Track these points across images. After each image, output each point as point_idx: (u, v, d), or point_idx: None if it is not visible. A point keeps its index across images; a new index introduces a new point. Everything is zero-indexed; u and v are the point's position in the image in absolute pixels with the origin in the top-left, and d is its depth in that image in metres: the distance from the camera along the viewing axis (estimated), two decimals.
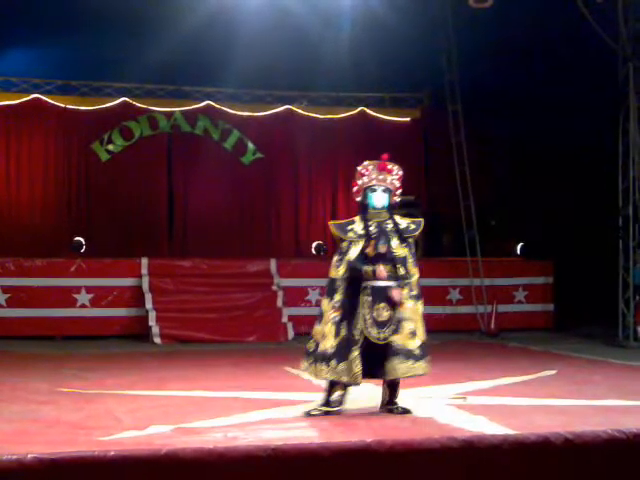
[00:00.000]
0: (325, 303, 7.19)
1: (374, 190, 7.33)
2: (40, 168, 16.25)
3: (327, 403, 7.23)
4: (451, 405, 7.65)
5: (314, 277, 14.68)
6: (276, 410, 7.33)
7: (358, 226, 7.26)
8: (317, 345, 7.14)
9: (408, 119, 17.49)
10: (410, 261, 7.21)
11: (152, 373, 9.83)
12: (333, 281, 7.16)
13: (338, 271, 7.14)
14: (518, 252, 16.24)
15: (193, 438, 6.11)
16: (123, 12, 13.49)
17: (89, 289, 13.59)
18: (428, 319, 15.69)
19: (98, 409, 7.45)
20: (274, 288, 14.24)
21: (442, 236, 16.88)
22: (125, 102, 16.40)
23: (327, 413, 7.13)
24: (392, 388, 7.27)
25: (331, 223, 7.55)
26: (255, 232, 16.95)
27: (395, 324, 7.06)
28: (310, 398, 8.03)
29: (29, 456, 2.86)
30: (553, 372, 9.80)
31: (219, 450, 2.97)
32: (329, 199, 17.52)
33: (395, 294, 7.04)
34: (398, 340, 7.05)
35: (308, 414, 7.08)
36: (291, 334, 13.72)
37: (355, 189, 7.47)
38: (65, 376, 9.40)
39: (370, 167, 7.41)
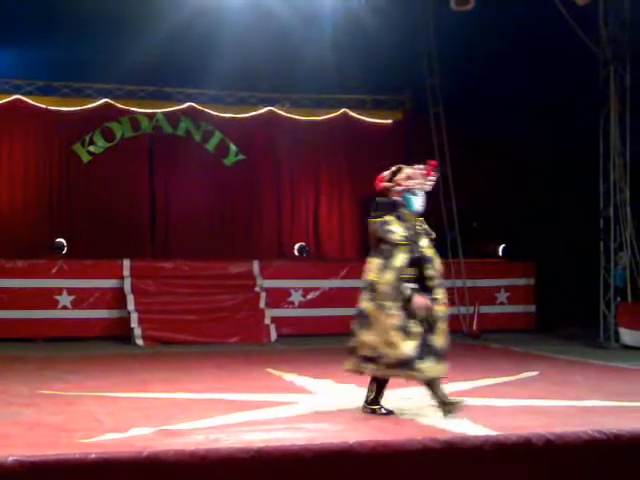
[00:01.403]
0: (371, 307, 7.10)
1: (415, 194, 7.29)
2: (21, 169, 16.16)
3: (378, 402, 7.28)
4: (433, 406, 7.66)
5: (297, 278, 14.71)
6: (259, 412, 7.33)
7: (396, 228, 7.24)
8: (380, 354, 7.04)
9: (390, 121, 17.52)
10: (437, 261, 7.27)
11: (134, 375, 9.80)
12: (375, 284, 7.11)
13: (384, 276, 7.09)
14: (500, 254, 16.30)
15: (175, 440, 6.10)
16: (105, 13, 13.46)
17: (70, 291, 13.55)
18: None
19: (79, 411, 7.43)
20: (257, 289, 14.24)
21: None
22: (107, 103, 16.33)
23: (389, 413, 7.20)
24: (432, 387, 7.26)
25: (372, 222, 7.47)
26: (237, 234, 16.93)
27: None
28: (292, 399, 8.04)
29: (10, 459, 2.84)
30: (535, 373, 9.83)
31: (201, 452, 2.97)
32: (311, 200, 17.52)
33: (419, 304, 7.02)
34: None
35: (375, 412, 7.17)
36: (274, 335, 13.72)
37: (398, 188, 7.33)
38: (46, 378, 9.36)
39: (419, 171, 7.38)
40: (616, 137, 13.54)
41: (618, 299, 13.31)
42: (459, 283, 14.92)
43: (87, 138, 16.32)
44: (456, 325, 14.64)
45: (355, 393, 8.20)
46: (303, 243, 16.43)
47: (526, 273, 15.54)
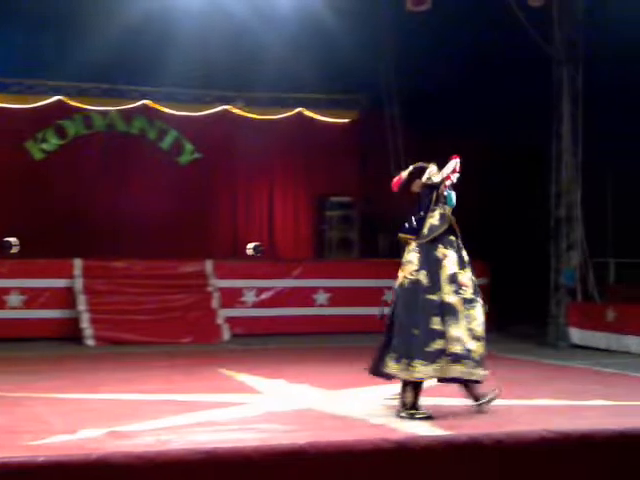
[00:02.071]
0: (458, 301, 7.19)
1: (452, 189, 7.40)
2: None
3: (417, 406, 7.13)
4: (385, 406, 7.68)
5: (250, 278, 14.66)
6: (209, 412, 7.29)
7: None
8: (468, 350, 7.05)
9: (346, 121, 17.51)
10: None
11: (84, 376, 9.69)
12: (457, 276, 7.25)
13: (466, 269, 7.35)
14: None
15: (125, 442, 6.05)
16: (58, 9, 13.31)
17: (20, 290, 13.37)
18: (364, 320, 15.76)
19: (28, 413, 7.33)
20: (209, 289, 14.17)
21: (378, 237, 16.97)
22: (60, 101, 16.12)
23: (428, 417, 7.03)
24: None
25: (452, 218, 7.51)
26: (191, 233, 16.79)
27: None
28: (244, 400, 8.02)
29: None
30: (486, 372, 9.88)
31: (151, 454, 2.93)
32: (266, 200, 17.47)
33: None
34: None
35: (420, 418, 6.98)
36: (227, 335, 13.66)
37: (448, 182, 7.51)
38: None
39: (453, 167, 7.47)
40: (568, 138, 13.70)
41: (568, 299, 13.45)
42: None
43: (40, 136, 16.10)
44: None
45: (307, 393, 8.21)
46: (257, 242, 16.38)
47: (480, 273, 15.60)
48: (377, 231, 16.99)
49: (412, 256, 7.33)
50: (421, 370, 6.97)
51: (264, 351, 12.46)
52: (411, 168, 7.45)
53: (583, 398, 7.30)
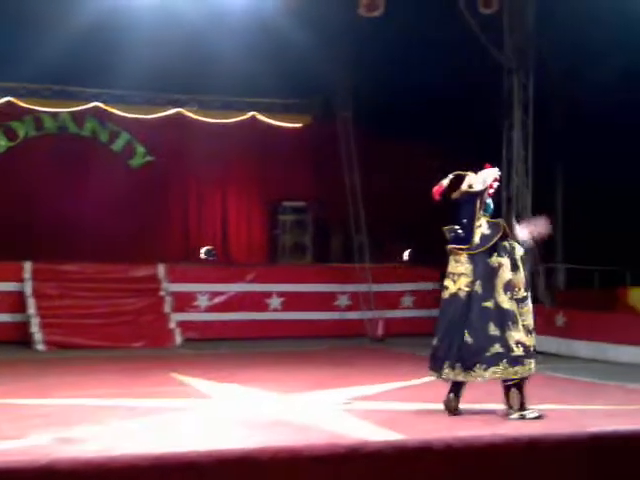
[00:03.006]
0: (514, 305, 7.36)
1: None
2: None
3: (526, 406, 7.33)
4: (337, 410, 7.69)
5: (203, 282, 14.59)
6: (159, 417, 7.24)
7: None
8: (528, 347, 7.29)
9: (299, 125, 17.53)
10: None
11: (34, 381, 9.56)
12: (512, 282, 7.36)
13: (518, 273, 7.42)
14: (405, 258, 16.46)
15: (74, 447, 5.98)
16: (8, 9, 13.13)
17: None
18: (316, 325, 15.74)
19: None
20: (161, 293, 14.08)
21: (331, 242, 17.01)
22: (9, 102, 15.92)
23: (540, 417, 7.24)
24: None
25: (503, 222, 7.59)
26: (144, 236, 16.65)
27: None
28: (195, 404, 7.98)
29: None
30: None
31: (99, 460, 2.90)
32: (219, 204, 17.41)
33: None
34: None
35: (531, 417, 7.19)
36: (179, 340, 13.58)
37: (491, 191, 7.64)
38: None
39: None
40: (519, 145, 13.85)
41: None
42: (364, 287, 15.02)
43: None
44: (362, 329, 14.78)
45: (259, 398, 8.18)
46: (210, 246, 16.30)
47: (430, 277, 15.73)
48: (330, 236, 17.04)
49: (465, 268, 7.42)
50: (480, 374, 7.26)
51: (217, 355, 12.41)
52: (451, 176, 7.52)
53: (534, 402, 7.36)
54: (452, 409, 7.39)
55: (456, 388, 7.44)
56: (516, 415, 7.22)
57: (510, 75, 13.82)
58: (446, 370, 7.32)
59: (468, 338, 7.24)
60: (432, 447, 3.18)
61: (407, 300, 15.58)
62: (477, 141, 14.48)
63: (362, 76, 14.98)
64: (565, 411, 7.73)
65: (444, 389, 8.99)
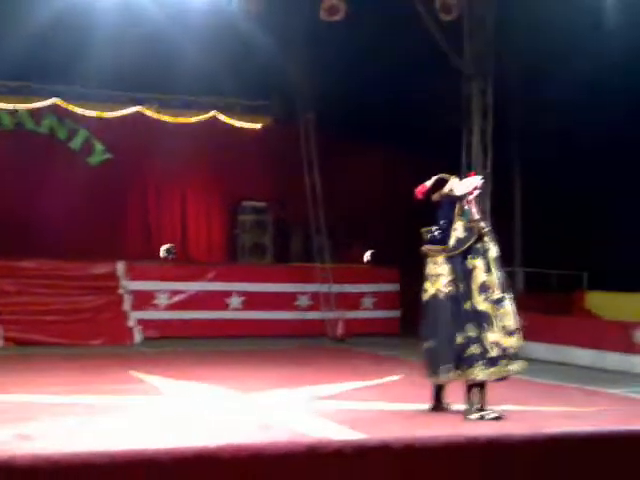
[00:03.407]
0: (490, 306, 7.39)
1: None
2: None
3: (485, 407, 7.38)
4: (298, 409, 7.70)
5: (163, 280, 14.53)
6: (117, 415, 7.20)
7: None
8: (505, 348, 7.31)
9: (259, 126, 17.49)
10: None
11: None
12: (487, 284, 7.42)
13: (492, 273, 7.48)
14: (366, 259, 16.51)
15: (32, 444, 5.93)
16: None
17: None
18: (277, 324, 15.72)
19: None
20: (120, 291, 13.99)
21: (291, 242, 17.01)
22: None
23: (499, 418, 7.29)
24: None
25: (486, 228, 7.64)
26: (103, 234, 16.52)
27: None
28: (153, 402, 7.94)
29: None
30: (398, 377, 9.99)
31: (56, 456, 2.88)
32: (179, 202, 17.34)
33: None
34: None
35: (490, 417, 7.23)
36: (138, 337, 13.52)
37: (470, 197, 7.62)
38: None
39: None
40: (478, 149, 13.96)
41: None
42: (325, 288, 15.06)
43: None
44: (321, 329, 14.82)
45: (218, 396, 8.15)
46: (170, 245, 16.22)
47: (391, 278, 15.80)
48: (290, 236, 17.04)
49: (442, 269, 7.54)
50: (465, 374, 7.35)
51: (176, 354, 12.36)
52: (434, 178, 7.58)
53: (492, 403, 7.42)
54: (445, 407, 7.60)
55: (440, 389, 7.61)
56: (476, 415, 7.28)
57: (469, 81, 13.93)
58: (446, 373, 7.39)
59: (456, 339, 7.35)
60: (391, 447, 3.20)
61: (367, 301, 15.63)
62: (437, 145, 14.58)
63: (324, 79, 15.00)
64: (524, 412, 7.80)
65: (404, 388, 9.05)
